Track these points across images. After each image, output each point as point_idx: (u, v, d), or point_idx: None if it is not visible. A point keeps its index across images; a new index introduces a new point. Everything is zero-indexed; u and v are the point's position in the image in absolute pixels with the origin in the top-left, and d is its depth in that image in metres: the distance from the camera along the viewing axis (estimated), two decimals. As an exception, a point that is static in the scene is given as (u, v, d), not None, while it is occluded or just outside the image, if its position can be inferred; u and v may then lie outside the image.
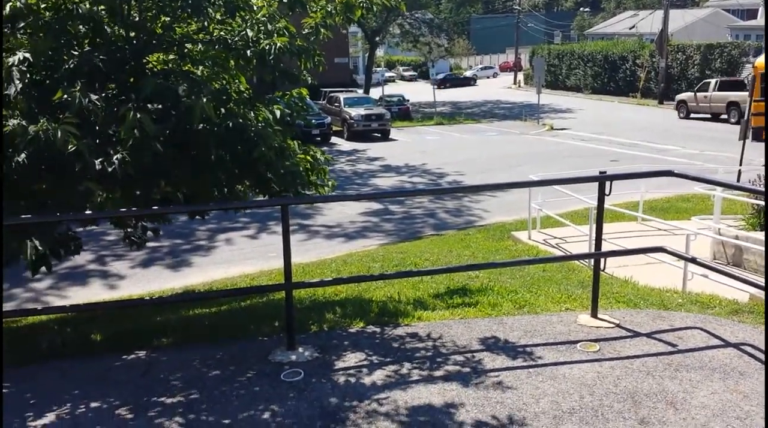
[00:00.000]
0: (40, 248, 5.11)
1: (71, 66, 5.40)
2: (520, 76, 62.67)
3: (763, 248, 8.57)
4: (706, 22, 58.76)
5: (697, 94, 31.89)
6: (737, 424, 4.00)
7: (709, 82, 31.80)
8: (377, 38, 44.13)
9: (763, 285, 5.48)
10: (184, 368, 5.13)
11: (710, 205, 11.44)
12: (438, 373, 4.82)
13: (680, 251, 6.76)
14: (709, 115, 30.95)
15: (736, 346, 5.11)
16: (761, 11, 53.23)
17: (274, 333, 5.87)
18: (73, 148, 4.72)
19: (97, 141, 5.07)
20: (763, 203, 9.69)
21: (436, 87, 39.53)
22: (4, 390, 4.94)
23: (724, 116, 29.60)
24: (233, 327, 6.25)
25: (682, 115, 32.70)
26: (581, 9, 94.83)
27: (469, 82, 67.94)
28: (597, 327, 5.61)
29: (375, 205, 15.76)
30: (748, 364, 4.78)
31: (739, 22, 58.15)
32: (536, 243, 10.90)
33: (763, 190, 8.42)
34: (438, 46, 49.97)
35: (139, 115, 4.85)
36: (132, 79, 5.75)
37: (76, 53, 5.52)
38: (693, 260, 6.14)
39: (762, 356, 4.90)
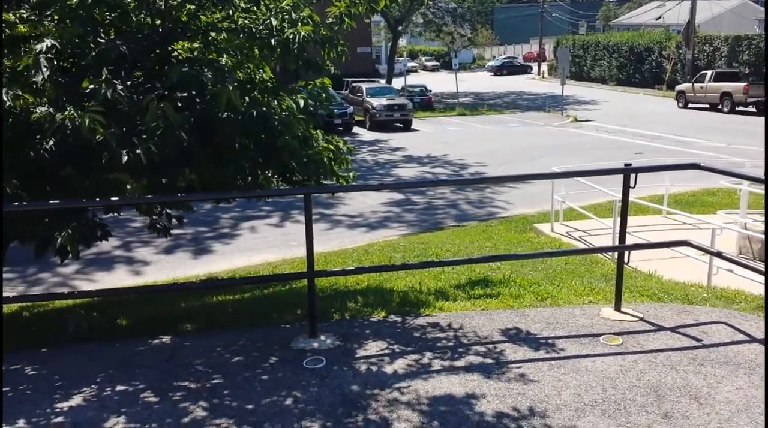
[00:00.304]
0: (69, 234, 5.18)
1: (98, 53, 5.45)
2: (544, 66, 62.10)
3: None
4: (734, 13, 57.62)
5: (695, 84, 32.74)
6: (761, 420, 3.96)
7: (706, 74, 32.78)
8: (400, 28, 43.97)
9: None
10: (207, 354, 5.19)
11: (736, 199, 11.27)
12: (459, 364, 4.82)
13: (705, 245, 6.68)
14: (706, 105, 31.86)
15: (761, 342, 5.05)
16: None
17: (296, 320, 5.91)
18: (101, 138, 4.77)
19: (124, 129, 5.12)
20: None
21: (492, 74, 39.48)
22: (32, 372, 5.04)
23: (720, 107, 30.91)
24: (256, 314, 6.30)
25: (680, 104, 33.53)
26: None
27: (525, 69, 67.54)
28: (620, 320, 5.58)
29: (397, 196, 15.76)
30: (774, 360, 4.72)
31: (769, 13, 56.97)
32: (559, 236, 10.83)
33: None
34: (461, 36, 49.67)
35: (162, 105, 4.88)
36: (158, 67, 5.79)
37: (102, 40, 5.57)
38: (718, 254, 6.07)
39: (788, 352, 4.84)
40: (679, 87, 34.84)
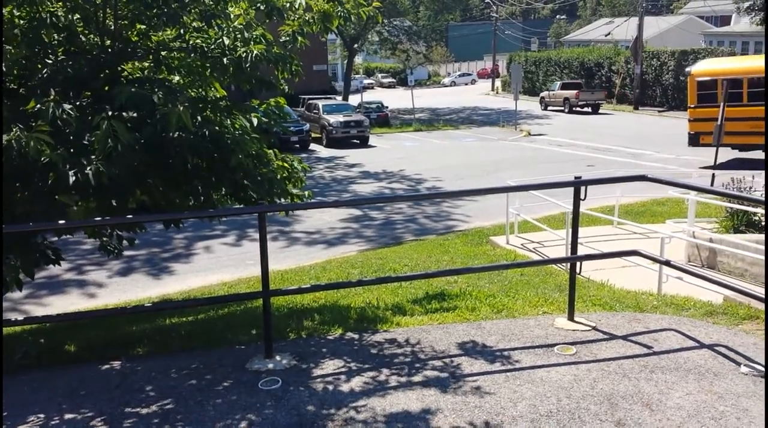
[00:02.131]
0: (11, 266, 5.05)
1: (45, 74, 5.35)
2: (498, 82, 63.09)
3: (738, 251, 8.71)
4: (681, 28, 59.57)
5: (549, 92, 43.27)
6: (712, 424, 4.05)
7: (557, 84, 42.90)
8: (356, 45, 44.22)
9: (734, 286, 5.57)
10: (159, 378, 5.08)
11: (684, 208, 11.59)
12: (416, 379, 4.82)
13: (655, 254, 6.84)
14: (558, 107, 41.32)
15: (710, 347, 5.18)
16: (734, 18, 54.11)
17: (251, 341, 5.84)
18: (46, 159, 4.67)
19: (72, 150, 5.02)
20: (736, 206, 9.86)
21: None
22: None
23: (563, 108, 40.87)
24: (210, 335, 6.21)
25: (542, 107, 42.63)
26: (557, 17, 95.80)
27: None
28: (574, 330, 5.66)
29: (355, 212, 15.77)
30: (723, 365, 4.85)
31: (713, 29, 59.06)
32: (514, 248, 10.97)
33: (737, 193, 8.56)
34: (416, 53, 50.18)
35: (113, 124, 4.81)
36: (107, 87, 5.70)
37: (50, 62, 5.48)
38: (667, 263, 6.22)
39: (736, 357, 4.97)
40: (542, 94, 44.54)
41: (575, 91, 40.05)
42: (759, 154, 19.94)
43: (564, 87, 41.90)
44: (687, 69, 22.37)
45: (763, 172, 12.34)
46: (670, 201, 13.96)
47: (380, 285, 7.95)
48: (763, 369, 4.72)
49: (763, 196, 7.78)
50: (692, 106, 20.90)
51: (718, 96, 19.92)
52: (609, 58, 45.84)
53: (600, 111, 39.75)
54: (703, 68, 21.67)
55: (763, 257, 8.25)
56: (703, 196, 10.37)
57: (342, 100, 39.29)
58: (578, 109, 39.86)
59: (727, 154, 20.91)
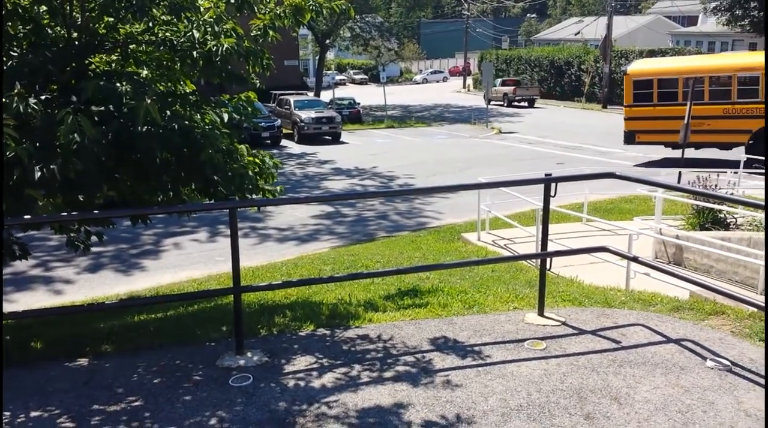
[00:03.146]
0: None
1: (10, 67, 5.22)
2: (470, 80, 63.41)
3: (704, 247, 8.88)
4: (648, 28, 60.52)
5: (494, 88, 45.40)
6: (679, 418, 4.12)
7: (498, 81, 46.31)
8: (327, 41, 44.06)
9: (700, 282, 5.68)
10: (128, 375, 5.01)
11: (652, 205, 11.78)
12: (388, 374, 4.83)
13: (623, 250, 6.94)
14: (499, 101, 45.38)
15: (677, 342, 5.27)
16: (701, 18, 55.10)
17: (222, 338, 5.79)
18: (12, 154, 4.57)
19: (37, 145, 4.92)
20: (702, 204, 10.05)
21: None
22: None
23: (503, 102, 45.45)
24: (180, 332, 6.13)
25: (486, 102, 44.57)
26: (528, 15, 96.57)
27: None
28: (544, 325, 5.72)
29: (327, 208, 15.73)
30: (689, 359, 4.93)
31: (680, 29, 60.07)
32: (485, 244, 11.05)
33: (702, 190, 8.71)
34: (388, 50, 50.21)
35: (79, 118, 4.72)
36: (74, 81, 5.60)
37: (15, 54, 5.35)
38: (635, 259, 6.31)
39: (702, 351, 5.07)
40: (483, 90, 47.17)
41: (513, 88, 45.04)
42: (690, 153, 20.60)
43: (504, 84, 46.68)
44: (623, 68, 22.93)
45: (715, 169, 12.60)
46: (638, 198, 14.18)
47: (352, 282, 7.94)
48: (729, 363, 4.82)
49: (764, 197, 7.79)
50: (628, 104, 21.49)
51: (653, 95, 20.71)
52: (578, 57, 46.38)
53: (535, 105, 44.85)
54: (639, 68, 22.22)
55: (728, 254, 8.43)
56: (669, 193, 10.54)
57: (314, 95, 39.13)
58: (516, 103, 44.96)
59: (660, 152, 21.55)
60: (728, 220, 10.16)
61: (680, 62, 24.77)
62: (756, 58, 22.99)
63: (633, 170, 18.63)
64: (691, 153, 20.51)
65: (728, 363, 4.82)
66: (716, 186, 10.74)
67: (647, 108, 20.90)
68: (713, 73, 19.80)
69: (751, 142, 19.13)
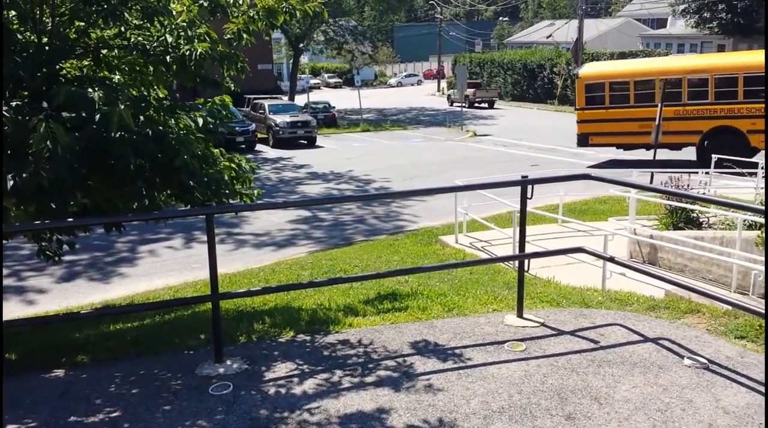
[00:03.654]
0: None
1: (-22, 73, 5.12)
2: (444, 83, 63.67)
3: (677, 246, 8.99)
4: (619, 31, 61.31)
5: (453, 90, 46.92)
6: (658, 416, 4.16)
7: (443, 83, 52.37)
8: (301, 45, 43.92)
9: (675, 281, 5.75)
10: (105, 385, 4.93)
11: (626, 206, 11.92)
12: (369, 379, 4.81)
13: (599, 251, 7.00)
14: (461, 103, 44.86)
15: (654, 341, 5.32)
16: (670, 20, 55.95)
17: (200, 346, 5.72)
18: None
19: (9, 152, 4.82)
20: (675, 204, 10.18)
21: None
22: None
23: (476, 104, 47.07)
24: (157, 341, 6.05)
25: (449, 103, 48.47)
26: (500, 18, 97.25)
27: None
28: (523, 326, 5.74)
29: (303, 213, 15.66)
30: (666, 358, 4.99)
31: (650, 31, 60.94)
32: (463, 247, 11.08)
33: (675, 190, 8.83)
34: (362, 54, 50.21)
35: (51, 126, 4.63)
36: (45, 87, 5.50)
37: (-17, 60, 5.24)
38: (611, 259, 6.36)
39: (679, 350, 5.13)
40: (447, 92, 53.04)
41: (473, 90, 46.60)
42: (639, 154, 21.28)
43: (468, 86, 48.62)
44: (574, 72, 23.29)
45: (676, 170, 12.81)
46: (612, 199, 14.33)
47: (331, 287, 7.90)
48: (706, 361, 4.88)
49: (765, 201, 7.78)
50: (580, 107, 21.84)
51: (605, 98, 21.09)
52: (551, 60, 46.82)
53: (495, 106, 47.02)
54: (590, 71, 22.59)
55: (702, 252, 8.56)
56: (642, 193, 10.67)
57: (288, 100, 38.98)
58: (477, 104, 46.98)
59: (608, 154, 22.00)
60: (701, 220, 10.31)
61: (631, 65, 25.28)
62: (704, 59, 23.64)
63: (591, 170, 18.84)
64: (640, 154, 21.02)
65: (705, 361, 4.88)
66: (688, 186, 10.90)
67: (600, 110, 21.29)
68: (663, 75, 20.23)
69: (704, 142, 19.57)
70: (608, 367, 4.86)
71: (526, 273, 6.69)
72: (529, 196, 5.70)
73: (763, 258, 7.20)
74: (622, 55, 41.28)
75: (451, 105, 47.51)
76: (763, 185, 11.50)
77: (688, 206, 9.96)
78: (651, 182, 13.77)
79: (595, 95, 21.36)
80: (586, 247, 6.37)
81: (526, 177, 5.74)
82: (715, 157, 15.98)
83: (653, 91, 20.00)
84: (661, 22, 61.10)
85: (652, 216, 11.29)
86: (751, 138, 18.68)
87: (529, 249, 6.27)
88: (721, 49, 45.10)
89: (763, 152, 17.05)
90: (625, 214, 11.70)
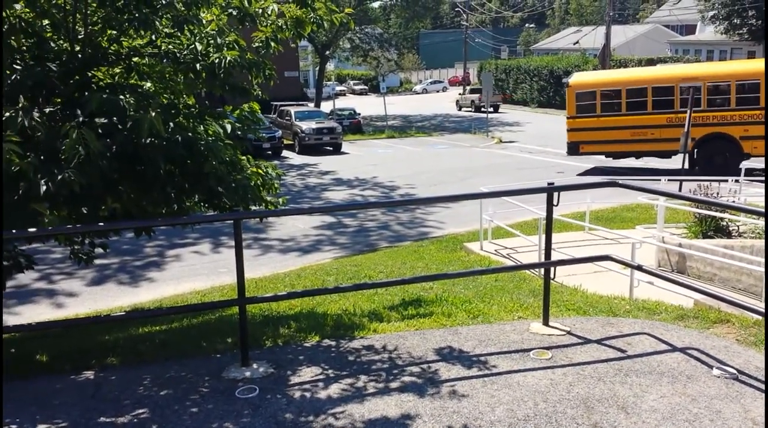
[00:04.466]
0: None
1: (13, 81, 5.25)
2: (469, 90, 63.53)
3: (707, 255, 8.87)
4: (647, 37, 60.71)
5: (462, 96, 53.83)
6: (686, 426, 4.11)
7: (466, 88, 53.84)
8: (327, 52, 44.19)
9: (704, 290, 5.68)
10: (134, 387, 5.01)
11: (654, 214, 11.78)
12: (394, 385, 4.82)
13: (626, 259, 6.94)
14: (468, 108, 50.64)
15: (682, 351, 5.26)
16: (699, 26, 55.29)
17: (227, 349, 5.78)
18: (17, 168, 4.58)
19: (42, 158, 4.93)
20: (704, 212, 10.05)
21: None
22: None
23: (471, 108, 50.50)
24: (185, 344, 6.13)
25: (458, 108, 52.23)
26: (527, 25, 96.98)
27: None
28: (549, 334, 5.71)
29: (328, 219, 15.74)
30: (695, 368, 4.92)
31: (678, 38, 60.25)
32: (488, 254, 11.04)
33: (704, 198, 8.72)
34: (387, 61, 50.39)
35: (83, 132, 4.73)
36: (77, 94, 5.62)
37: (18, 67, 5.38)
38: (639, 267, 6.30)
39: (708, 360, 5.06)
40: (456, 98, 55.46)
41: (479, 95, 48.46)
42: (624, 162, 21.23)
43: (472, 92, 53.37)
44: (564, 80, 23.13)
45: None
46: (640, 207, 14.19)
47: (356, 292, 7.93)
48: (735, 372, 4.81)
49: (765, 204, 7.76)
50: (570, 116, 21.65)
51: (596, 106, 20.91)
52: (577, 66, 46.44)
53: (499, 110, 48.57)
54: (581, 80, 22.42)
55: (732, 261, 8.43)
56: (672, 201, 10.55)
57: (314, 106, 39.24)
58: (483, 109, 46.18)
59: (591, 161, 21.76)
60: (730, 228, 10.16)
61: (622, 74, 25.24)
62: (698, 67, 23.47)
63: (616, 178, 18.66)
64: (629, 162, 20.88)
65: (734, 371, 4.81)
66: (718, 194, 10.75)
67: (590, 119, 21.11)
68: (655, 83, 20.05)
69: (695, 149, 19.43)
70: (635, 377, 4.81)
71: (552, 281, 6.65)
72: (555, 203, 5.68)
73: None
74: (650, 62, 40.88)
75: (459, 110, 50.73)
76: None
77: (718, 214, 9.82)
78: (680, 190, 13.61)
79: (586, 104, 21.24)
80: (614, 255, 6.32)
81: (552, 184, 5.71)
82: (744, 164, 15.76)
83: (645, 100, 20.09)
84: (690, 29, 60.37)
85: (680, 225, 11.15)
86: (744, 144, 18.73)
87: (555, 256, 6.25)
88: (751, 55, 44.43)
89: None
90: (653, 221, 11.57)
